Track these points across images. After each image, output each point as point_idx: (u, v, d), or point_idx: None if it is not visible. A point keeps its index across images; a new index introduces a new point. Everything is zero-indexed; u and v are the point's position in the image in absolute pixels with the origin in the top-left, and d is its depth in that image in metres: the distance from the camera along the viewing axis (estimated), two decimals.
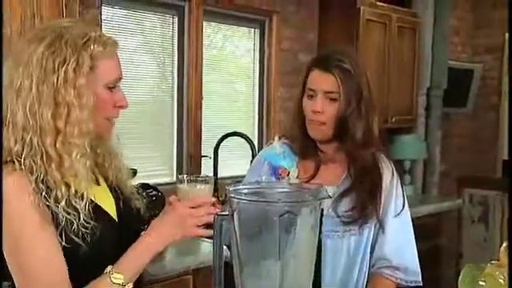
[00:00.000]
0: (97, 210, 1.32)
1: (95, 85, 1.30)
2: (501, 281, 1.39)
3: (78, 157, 1.26)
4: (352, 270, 1.72)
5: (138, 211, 1.48)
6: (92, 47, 1.29)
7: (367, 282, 1.75)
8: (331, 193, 1.11)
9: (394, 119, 4.23)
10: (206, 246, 2.73)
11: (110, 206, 1.39)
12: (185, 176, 1.40)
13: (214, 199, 1.36)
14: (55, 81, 1.25)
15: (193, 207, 1.32)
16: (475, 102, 5.32)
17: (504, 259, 1.44)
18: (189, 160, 3.42)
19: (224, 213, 1.12)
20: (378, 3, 4.11)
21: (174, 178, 3.41)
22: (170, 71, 3.38)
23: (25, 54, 1.27)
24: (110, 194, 1.42)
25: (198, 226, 1.32)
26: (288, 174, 1.68)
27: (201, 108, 3.46)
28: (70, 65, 1.26)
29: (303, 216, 1.05)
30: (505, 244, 1.45)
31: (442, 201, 4.54)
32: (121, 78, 1.36)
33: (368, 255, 1.74)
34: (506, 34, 4.99)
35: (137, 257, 1.30)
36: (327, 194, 1.07)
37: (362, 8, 3.90)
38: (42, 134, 1.24)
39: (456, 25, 5.17)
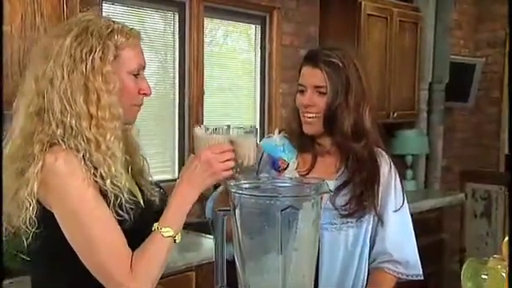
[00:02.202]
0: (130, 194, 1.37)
1: (120, 72, 1.38)
2: (503, 274, 1.39)
3: (113, 139, 1.34)
4: (351, 262, 1.72)
5: (153, 202, 1.53)
6: (116, 37, 1.37)
7: (368, 276, 1.75)
8: (332, 186, 1.11)
9: (395, 114, 4.22)
10: (209, 242, 2.73)
11: (136, 193, 1.46)
12: (202, 126, 1.44)
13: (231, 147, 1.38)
14: (84, 69, 1.32)
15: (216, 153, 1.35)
16: (477, 96, 5.31)
17: (506, 253, 1.44)
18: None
19: (225, 208, 1.11)
20: None
21: (176, 175, 3.41)
22: (171, 67, 3.38)
23: (54, 47, 1.35)
24: (134, 183, 1.49)
25: (226, 170, 1.34)
26: (287, 166, 1.69)
27: (202, 104, 3.46)
28: (97, 53, 1.34)
29: (305, 210, 1.04)
30: (507, 238, 1.45)
31: (444, 195, 4.53)
32: (144, 67, 1.44)
33: (367, 248, 1.74)
34: (508, 29, 4.98)
35: (177, 209, 1.35)
36: (328, 188, 1.07)
37: (363, 3, 3.89)
38: (79, 118, 1.32)
39: (458, 19, 5.15)
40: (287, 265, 1.04)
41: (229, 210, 1.08)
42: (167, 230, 1.32)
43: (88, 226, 1.29)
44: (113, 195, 1.31)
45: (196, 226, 3.08)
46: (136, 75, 1.42)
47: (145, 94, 1.45)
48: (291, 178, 1.35)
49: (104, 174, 1.31)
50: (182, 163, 3.42)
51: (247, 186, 1.12)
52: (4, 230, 1.35)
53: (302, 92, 1.73)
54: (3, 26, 2.06)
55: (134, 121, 1.49)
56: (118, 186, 1.32)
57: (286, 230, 1.03)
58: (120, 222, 1.32)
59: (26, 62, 2.20)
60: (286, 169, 1.71)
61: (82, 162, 1.29)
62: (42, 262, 1.41)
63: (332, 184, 1.14)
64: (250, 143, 1.45)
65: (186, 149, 3.42)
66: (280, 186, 1.18)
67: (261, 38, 3.83)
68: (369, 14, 3.94)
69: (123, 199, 1.32)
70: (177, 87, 3.39)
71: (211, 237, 2.75)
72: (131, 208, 1.33)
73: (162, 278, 2.31)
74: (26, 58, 2.21)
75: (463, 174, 5.30)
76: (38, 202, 1.31)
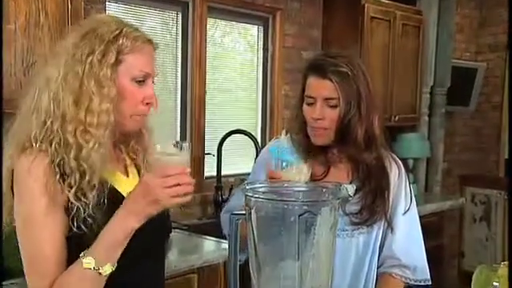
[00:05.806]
0: (118, 199, 1.29)
1: (123, 78, 1.32)
2: None
3: (96, 147, 1.27)
4: (361, 268, 1.70)
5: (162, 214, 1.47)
6: (120, 41, 1.31)
7: (376, 281, 1.74)
8: (351, 191, 1.08)
9: (397, 117, 4.20)
10: (211, 245, 2.71)
11: None
12: (158, 145, 1.28)
13: (188, 169, 1.22)
14: (80, 70, 1.28)
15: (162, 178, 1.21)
16: (478, 100, 5.30)
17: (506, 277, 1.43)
18: (192, 158, 3.40)
19: (240, 212, 1.09)
20: (383, 0, 4.08)
21: None
22: (173, 68, 3.35)
23: (61, 45, 1.33)
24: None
25: (174, 197, 1.19)
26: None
27: (204, 105, 3.43)
28: (96, 56, 1.28)
29: (323, 215, 1.02)
30: (506, 263, 1.44)
31: (444, 199, 4.52)
32: (150, 75, 1.36)
33: (377, 254, 1.73)
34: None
35: (109, 238, 1.22)
36: (347, 193, 1.05)
37: (366, 5, 3.87)
38: (64, 121, 1.27)
39: (460, 22, 5.14)
40: (304, 272, 1.02)
41: (243, 214, 1.06)
42: (88, 261, 1.20)
43: (26, 233, 1.26)
44: (75, 207, 1.24)
45: (197, 227, 3.07)
46: (140, 82, 1.34)
47: (149, 104, 1.34)
48: (307, 183, 1.33)
49: (72, 182, 1.24)
50: None
51: (264, 189, 1.09)
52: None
53: (310, 104, 1.65)
54: (5, 24, 2.05)
55: (134, 132, 1.40)
56: (85, 196, 1.25)
57: (304, 236, 1.00)
58: (80, 236, 1.25)
59: (29, 61, 2.19)
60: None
61: (48, 167, 1.24)
62: None
63: (351, 188, 1.11)
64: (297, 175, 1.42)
65: None
66: (297, 191, 1.16)
67: (263, 40, 3.81)
68: (372, 17, 3.92)
69: (85, 213, 1.24)
70: (179, 88, 3.36)
71: (213, 239, 2.74)
72: (92, 223, 1.25)
73: None
74: (29, 56, 2.19)
75: (463, 178, 5.29)
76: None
